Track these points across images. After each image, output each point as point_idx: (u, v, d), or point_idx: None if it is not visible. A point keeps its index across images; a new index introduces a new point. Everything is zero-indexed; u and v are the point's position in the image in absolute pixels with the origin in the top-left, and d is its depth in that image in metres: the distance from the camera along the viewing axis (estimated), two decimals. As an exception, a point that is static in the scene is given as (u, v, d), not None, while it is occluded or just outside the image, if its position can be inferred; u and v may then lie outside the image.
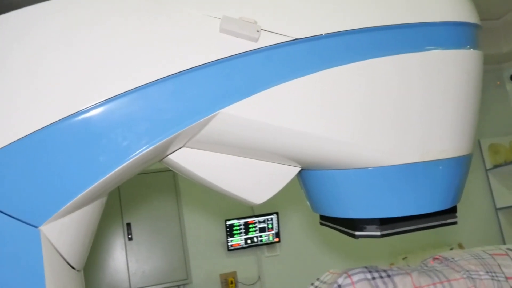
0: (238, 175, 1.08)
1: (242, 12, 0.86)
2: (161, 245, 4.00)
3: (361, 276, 1.64)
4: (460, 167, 1.05)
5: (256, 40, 0.85)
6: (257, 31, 0.85)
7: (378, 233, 1.13)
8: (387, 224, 1.11)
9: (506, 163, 4.73)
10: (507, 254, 1.72)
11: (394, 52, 0.91)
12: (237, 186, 1.10)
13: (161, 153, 0.93)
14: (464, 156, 1.04)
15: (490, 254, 1.72)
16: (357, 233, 1.17)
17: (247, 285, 4.29)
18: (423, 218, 1.09)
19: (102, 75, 0.82)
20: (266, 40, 0.86)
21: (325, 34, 0.88)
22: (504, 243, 4.59)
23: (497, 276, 1.63)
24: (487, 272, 1.63)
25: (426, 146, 0.97)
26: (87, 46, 0.82)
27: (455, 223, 1.17)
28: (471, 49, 0.99)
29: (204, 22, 0.85)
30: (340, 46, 0.90)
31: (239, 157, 1.05)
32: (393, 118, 0.94)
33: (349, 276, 1.64)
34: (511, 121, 5.04)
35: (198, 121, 0.85)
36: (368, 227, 1.13)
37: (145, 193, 3.89)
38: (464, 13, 0.99)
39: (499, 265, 1.67)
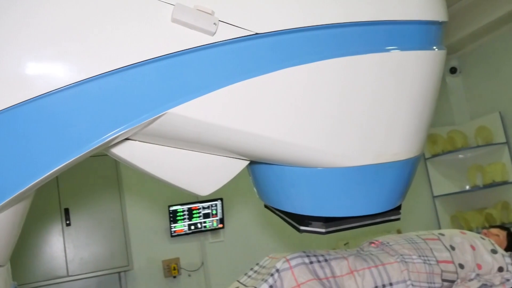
0: (183, 168, 1.04)
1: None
2: (101, 231, 3.89)
3: (299, 260, 1.66)
4: (410, 168, 1.05)
5: (212, 34, 0.77)
6: (214, 24, 0.77)
7: (323, 230, 1.15)
8: (333, 221, 1.11)
9: (443, 153, 4.93)
10: (438, 239, 1.79)
11: (358, 52, 0.86)
12: (182, 179, 1.06)
13: (102, 147, 0.87)
14: (415, 156, 1.03)
15: (423, 239, 1.79)
16: (301, 227, 1.18)
17: (190, 271, 4.26)
18: (368, 216, 1.09)
19: (31, 71, 0.73)
20: (224, 33, 0.78)
21: (287, 29, 0.81)
22: (440, 229, 4.80)
23: (428, 260, 1.70)
24: (419, 256, 1.70)
25: (380, 149, 0.96)
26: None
27: (398, 219, 1.19)
28: (437, 50, 0.95)
29: (154, 8, 0.76)
30: (302, 44, 0.83)
31: (185, 150, 1.00)
32: (350, 121, 0.91)
33: (288, 260, 1.66)
34: (449, 113, 5.25)
35: (143, 122, 0.78)
36: (313, 223, 1.14)
37: (85, 177, 3.75)
38: (436, 11, 0.93)
39: (431, 249, 1.73)
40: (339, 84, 0.87)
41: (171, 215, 4.16)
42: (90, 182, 3.81)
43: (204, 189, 1.10)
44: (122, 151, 0.97)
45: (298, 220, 1.18)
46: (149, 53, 0.76)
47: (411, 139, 0.99)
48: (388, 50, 0.88)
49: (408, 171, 1.06)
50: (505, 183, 4.70)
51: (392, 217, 1.15)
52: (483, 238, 1.84)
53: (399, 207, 1.15)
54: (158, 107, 0.78)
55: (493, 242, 1.83)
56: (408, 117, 0.96)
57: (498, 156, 4.80)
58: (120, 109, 0.77)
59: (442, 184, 5.14)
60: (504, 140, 4.73)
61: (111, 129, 0.77)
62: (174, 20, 0.76)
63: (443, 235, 1.81)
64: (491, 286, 1.65)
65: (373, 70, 0.88)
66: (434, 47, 0.94)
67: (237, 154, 0.98)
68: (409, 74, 0.92)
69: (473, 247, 1.76)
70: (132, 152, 0.97)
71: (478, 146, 4.86)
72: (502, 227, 2.08)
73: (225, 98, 0.81)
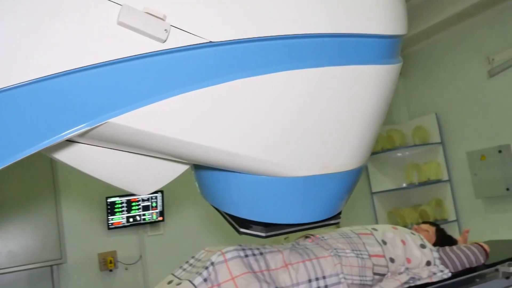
0: (123, 170, 1.00)
1: (150, 0, 0.70)
2: (32, 222, 3.70)
3: (234, 254, 1.64)
4: (354, 178, 1.05)
5: (163, 41, 0.71)
6: (165, 30, 0.70)
7: (263, 234, 1.15)
8: (273, 225, 1.10)
9: (382, 151, 5.09)
10: (371, 234, 1.83)
11: (313, 65, 0.82)
12: (122, 180, 1.03)
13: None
14: (360, 166, 1.04)
15: (356, 234, 1.82)
16: (241, 229, 1.18)
17: (127, 264, 4.16)
18: None
19: None
20: (176, 39, 0.72)
21: (242, 39, 0.76)
22: (377, 224, 4.94)
23: (361, 254, 1.73)
24: (352, 250, 1.72)
25: (328, 160, 0.95)
26: None
27: (338, 223, 1.21)
28: (394, 64, 0.92)
29: (97, 8, 0.69)
30: (256, 55, 0.79)
31: (125, 152, 0.95)
32: (299, 134, 0.88)
33: (223, 254, 1.64)
34: (389, 113, 5.40)
35: (81, 131, 0.73)
36: (254, 226, 1.13)
37: (15, 166, 3.55)
38: (396, 24, 0.89)
39: (364, 243, 1.77)
40: (291, 97, 0.84)
41: (108, 207, 4.03)
42: (21, 171, 3.61)
43: (144, 189, 1.06)
44: (58, 153, 0.91)
45: (238, 222, 1.17)
46: (90, 59, 0.70)
47: (358, 151, 0.99)
48: (345, 64, 0.85)
49: (352, 181, 1.06)
50: (439, 181, 4.92)
51: (332, 221, 1.16)
52: (413, 233, 1.89)
53: (339, 211, 1.16)
54: (99, 116, 0.73)
55: (422, 237, 1.89)
56: (358, 131, 0.95)
57: (434, 155, 5.01)
58: (57, 117, 0.72)
59: (381, 181, 5.30)
60: (439, 140, 4.93)
61: (46, 137, 0.72)
62: (120, 23, 0.69)
63: (376, 230, 1.85)
64: (419, 279, 1.70)
65: (327, 84, 0.85)
66: (391, 61, 0.91)
67: (182, 159, 0.94)
68: (365, 89, 0.90)
69: (403, 242, 1.81)
70: (68, 154, 0.92)
71: (415, 145, 5.05)
72: (431, 223, 2.16)
73: (172, 109, 0.76)
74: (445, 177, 4.92)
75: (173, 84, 0.75)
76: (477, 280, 1.83)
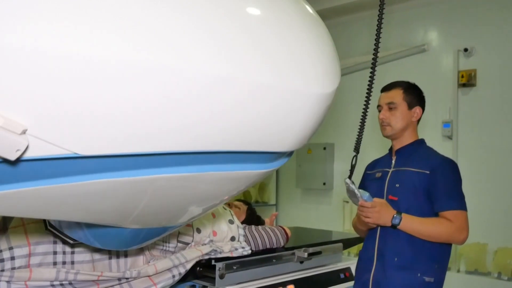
0: None
1: (12, 109, 0.58)
2: None
3: None
4: (169, 230, 1.20)
5: (11, 160, 0.61)
6: (18, 150, 0.59)
7: (71, 242, 1.32)
8: None
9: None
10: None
11: (186, 170, 0.81)
12: None
13: None
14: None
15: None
16: (49, 227, 1.27)
17: None
18: None
19: None
20: (37, 148, 0.63)
21: (110, 154, 0.71)
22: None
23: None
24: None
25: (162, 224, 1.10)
26: None
27: None
28: (270, 169, 0.94)
29: None
30: (124, 163, 0.75)
31: None
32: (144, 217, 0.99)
33: None
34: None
35: None
36: (62, 233, 1.25)
37: None
38: (292, 144, 0.89)
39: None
40: (147, 195, 0.87)
41: None
42: None
43: None
44: None
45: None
46: None
47: (181, 221, 1.12)
48: (220, 170, 0.85)
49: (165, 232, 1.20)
50: (267, 166, 5.18)
51: None
52: (225, 209, 1.93)
53: None
54: None
55: (233, 213, 1.94)
56: (200, 210, 1.06)
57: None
58: None
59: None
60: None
61: None
62: None
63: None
64: (220, 252, 1.73)
65: (194, 185, 0.87)
66: (270, 165, 0.92)
67: None
68: (229, 186, 0.94)
69: (213, 215, 1.83)
70: None
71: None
72: (245, 201, 2.23)
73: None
74: (274, 163, 5.20)
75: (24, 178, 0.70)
76: (274, 260, 1.93)
